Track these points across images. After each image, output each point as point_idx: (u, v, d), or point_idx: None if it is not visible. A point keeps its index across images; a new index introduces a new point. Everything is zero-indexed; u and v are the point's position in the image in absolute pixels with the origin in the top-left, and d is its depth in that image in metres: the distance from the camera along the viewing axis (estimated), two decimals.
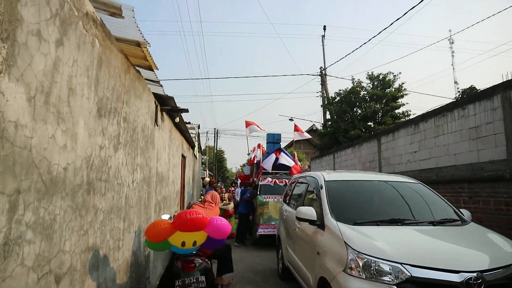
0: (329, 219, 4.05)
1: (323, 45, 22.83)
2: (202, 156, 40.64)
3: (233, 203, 12.54)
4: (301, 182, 6.18)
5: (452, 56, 32.36)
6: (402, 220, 4.04)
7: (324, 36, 22.78)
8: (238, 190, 14.04)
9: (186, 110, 6.87)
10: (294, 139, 15.33)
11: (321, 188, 4.67)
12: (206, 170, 33.66)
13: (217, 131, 30.62)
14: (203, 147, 32.21)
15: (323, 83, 22.73)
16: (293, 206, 6.04)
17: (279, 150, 12.18)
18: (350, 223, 3.89)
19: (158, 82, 5.72)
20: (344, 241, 3.53)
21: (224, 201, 9.59)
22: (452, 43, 28.78)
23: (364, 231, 3.68)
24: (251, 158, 13.07)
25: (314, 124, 28.65)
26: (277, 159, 11.94)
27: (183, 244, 3.74)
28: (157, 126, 6.16)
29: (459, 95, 15.36)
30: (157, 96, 6.20)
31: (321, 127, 20.57)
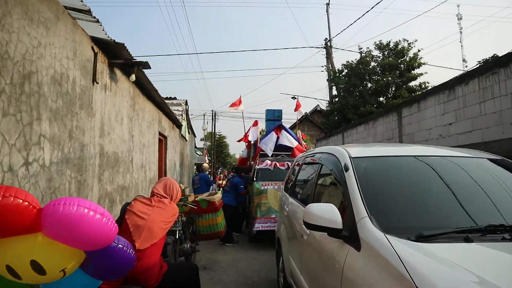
0: (368, 228, 2.12)
1: (327, 14, 20.60)
2: (204, 142, 38.76)
3: None
4: (310, 163, 4.25)
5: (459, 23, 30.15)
6: (506, 228, 2.09)
7: (329, 3, 20.54)
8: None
9: (146, 65, 4.91)
10: (298, 119, 13.32)
11: (346, 170, 2.72)
12: (205, 156, 31.83)
13: (214, 113, 28.66)
14: (201, 132, 30.29)
15: (329, 56, 20.57)
16: (299, 197, 4.12)
17: (280, 127, 10.22)
18: (411, 237, 1.97)
19: (93, 17, 3.75)
20: (411, 280, 1.62)
21: (212, 191, 7.66)
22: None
23: (447, 256, 1.77)
24: (247, 139, 11.15)
25: (318, 105, 26.58)
26: (277, 138, 10.00)
27: (12, 272, 1.62)
28: (97, 83, 4.22)
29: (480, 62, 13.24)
30: (100, 43, 4.24)
31: (327, 105, 18.51)
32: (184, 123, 12.49)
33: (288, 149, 10.29)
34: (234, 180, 9.01)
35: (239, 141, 11.92)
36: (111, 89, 4.81)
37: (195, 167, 26.30)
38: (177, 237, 5.48)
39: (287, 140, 10.00)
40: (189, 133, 14.13)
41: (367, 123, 12.30)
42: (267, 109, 12.82)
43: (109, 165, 4.73)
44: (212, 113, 28.42)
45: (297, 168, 4.93)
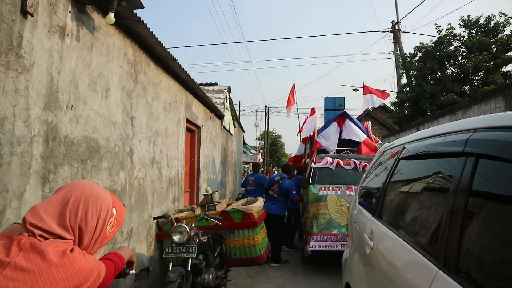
0: None
1: None
2: (259, 142, 37.15)
3: None
4: (418, 156, 2.13)
5: None
6: None
7: None
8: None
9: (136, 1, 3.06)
10: (365, 108, 10.88)
11: None
12: (258, 154, 30.10)
13: (267, 109, 26.81)
14: (254, 129, 28.58)
15: (397, 41, 17.73)
16: (405, 230, 2.00)
17: (344, 117, 8.03)
18: None
19: None
20: None
21: (251, 199, 5.67)
22: None
23: None
24: (302, 132, 9.05)
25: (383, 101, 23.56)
26: (340, 131, 7.85)
27: None
28: (31, 16, 2.43)
29: None
30: None
31: (396, 97, 15.75)
32: (227, 114, 10.69)
33: (353, 144, 8.08)
34: (285, 182, 6.97)
35: (299, 133, 9.86)
36: (80, 39, 3.02)
37: (247, 167, 24.66)
38: (188, 268, 3.60)
39: (353, 133, 7.78)
40: (235, 126, 12.34)
41: (454, 114, 9.64)
42: (326, 97, 10.66)
43: (73, 158, 2.94)
44: (265, 109, 26.57)
45: (385, 164, 2.83)
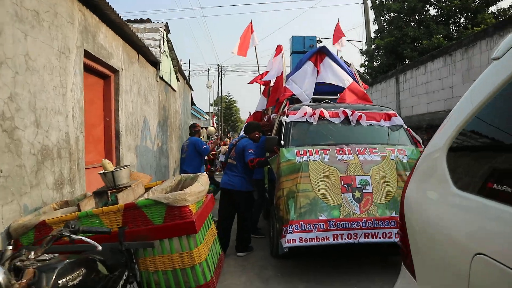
0: None
1: None
2: (213, 108, 34.40)
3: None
4: None
5: None
6: None
7: None
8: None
9: None
10: (338, 52, 8.67)
11: None
12: (212, 119, 27.66)
13: (221, 68, 24.14)
14: (207, 94, 25.90)
15: None
16: None
17: (322, 53, 5.86)
18: None
19: None
20: None
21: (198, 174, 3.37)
22: None
23: None
24: (265, 77, 6.85)
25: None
26: (317, 73, 5.73)
27: None
28: None
29: None
30: None
31: (369, 44, 13.77)
32: (166, 61, 8.20)
33: (334, 91, 6.01)
34: (241, 142, 4.92)
35: (251, 82, 7.60)
36: None
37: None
38: None
39: (335, 75, 5.66)
40: (178, 81, 9.87)
41: (450, 55, 7.82)
42: (293, 36, 8.40)
43: None
44: (218, 68, 23.89)
45: None
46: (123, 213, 2.34)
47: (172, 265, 2.35)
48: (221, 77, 24.41)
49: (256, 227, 5.99)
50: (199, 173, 2.91)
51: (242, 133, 5.42)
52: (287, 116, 4.64)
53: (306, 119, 4.54)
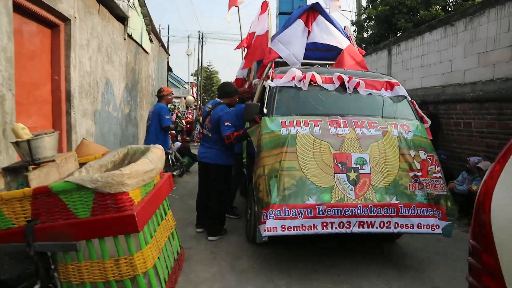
0: None
1: None
2: (194, 78, 33.00)
3: None
4: None
5: None
6: None
7: None
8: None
9: None
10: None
11: None
12: (191, 88, 26.57)
13: (202, 35, 22.86)
14: (187, 63, 24.71)
15: None
16: None
17: (314, 11, 5.04)
18: None
19: None
20: None
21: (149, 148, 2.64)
22: None
23: None
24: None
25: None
26: (308, 33, 4.95)
27: None
28: None
29: None
30: None
31: (361, 14, 12.91)
32: (137, 18, 7.23)
33: (327, 58, 5.27)
34: (216, 111, 4.21)
35: (237, 47, 6.69)
36: None
37: (178, 102, 21.19)
38: None
39: (330, 34, 4.90)
40: (151, 42, 8.88)
41: (451, 25, 7.12)
42: None
43: None
44: (199, 35, 22.62)
45: None
46: (31, 201, 1.62)
47: (104, 275, 1.65)
48: (202, 44, 23.19)
49: (231, 206, 5.35)
50: (152, 145, 2.16)
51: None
52: (271, 80, 3.89)
53: (295, 84, 3.81)
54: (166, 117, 5.35)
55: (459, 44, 6.94)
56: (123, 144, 6.55)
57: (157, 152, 2.02)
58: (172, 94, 5.71)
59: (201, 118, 4.65)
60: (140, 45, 7.65)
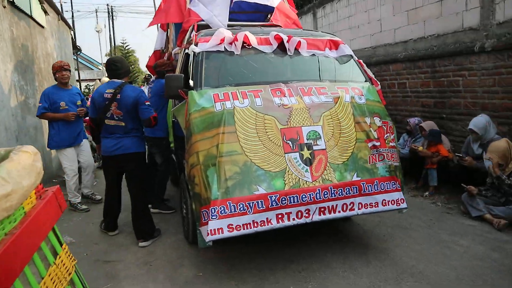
0: None
1: None
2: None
3: None
4: None
5: None
6: None
7: None
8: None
9: None
10: None
11: None
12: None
13: (111, 9, 20.70)
14: (95, 35, 22.30)
15: None
16: None
17: None
18: None
19: None
20: None
21: None
22: None
23: None
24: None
25: None
26: None
27: None
28: None
29: None
30: None
31: None
32: None
33: (255, 17, 4.61)
34: (126, 91, 3.38)
35: (150, 25, 5.62)
36: None
37: (92, 85, 19.15)
38: None
39: None
40: (46, 14, 7.44)
41: None
42: None
43: None
44: (108, 9, 20.48)
45: None
46: None
47: None
48: (113, 19, 21.09)
49: (163, 199, 4.60)
50: (17, 147, 1.32)
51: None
52: (196, 45, 3.13)
53: (225, 48, 3.09)
54: (39, 104, 4.51)
55: (387, 2, 6.67)
56: (22, 137, 5.39)
57: (21, 160, 1.19)
58: (67, 70, 4.64)
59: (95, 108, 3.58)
60: (30, 16, 6.28)
